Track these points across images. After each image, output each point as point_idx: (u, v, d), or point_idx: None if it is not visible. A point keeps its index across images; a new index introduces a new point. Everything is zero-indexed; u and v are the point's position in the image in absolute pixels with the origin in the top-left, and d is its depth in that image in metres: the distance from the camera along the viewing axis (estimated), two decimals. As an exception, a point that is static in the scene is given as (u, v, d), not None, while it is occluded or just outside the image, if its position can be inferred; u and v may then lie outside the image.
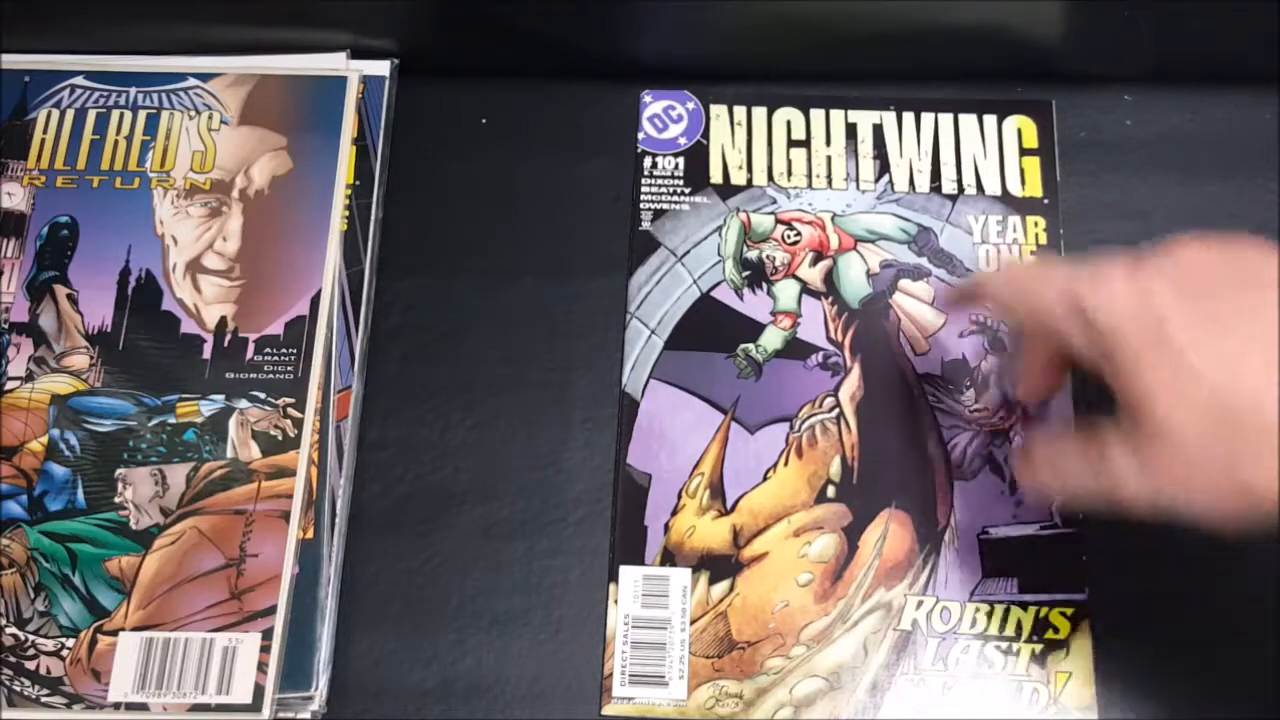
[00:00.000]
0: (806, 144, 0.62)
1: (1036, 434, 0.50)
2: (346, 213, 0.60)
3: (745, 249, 0.60)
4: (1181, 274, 0.42)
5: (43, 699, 0.52)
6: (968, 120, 0.62)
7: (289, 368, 0.57)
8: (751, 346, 0.58)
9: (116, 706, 0.52)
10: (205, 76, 0.63)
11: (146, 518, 0.55)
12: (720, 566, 0.55)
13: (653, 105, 0.63)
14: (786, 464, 0.56)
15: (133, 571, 0.54)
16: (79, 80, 0.63)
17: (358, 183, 0.61)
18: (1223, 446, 0.40)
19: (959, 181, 0.61)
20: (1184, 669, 0.53)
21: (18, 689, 0.52)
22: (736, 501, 0.56)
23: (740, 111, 0.63)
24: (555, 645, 0.54)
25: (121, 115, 0.63)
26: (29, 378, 0.57)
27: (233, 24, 0.63)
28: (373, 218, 0.61)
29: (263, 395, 0.57)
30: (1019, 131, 0.62)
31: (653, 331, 0.59)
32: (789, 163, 0.62)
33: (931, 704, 0.52)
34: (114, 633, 0.53)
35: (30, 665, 0.52)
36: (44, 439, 0.56)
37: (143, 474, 0.56)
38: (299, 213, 0.60)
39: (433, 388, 0.59)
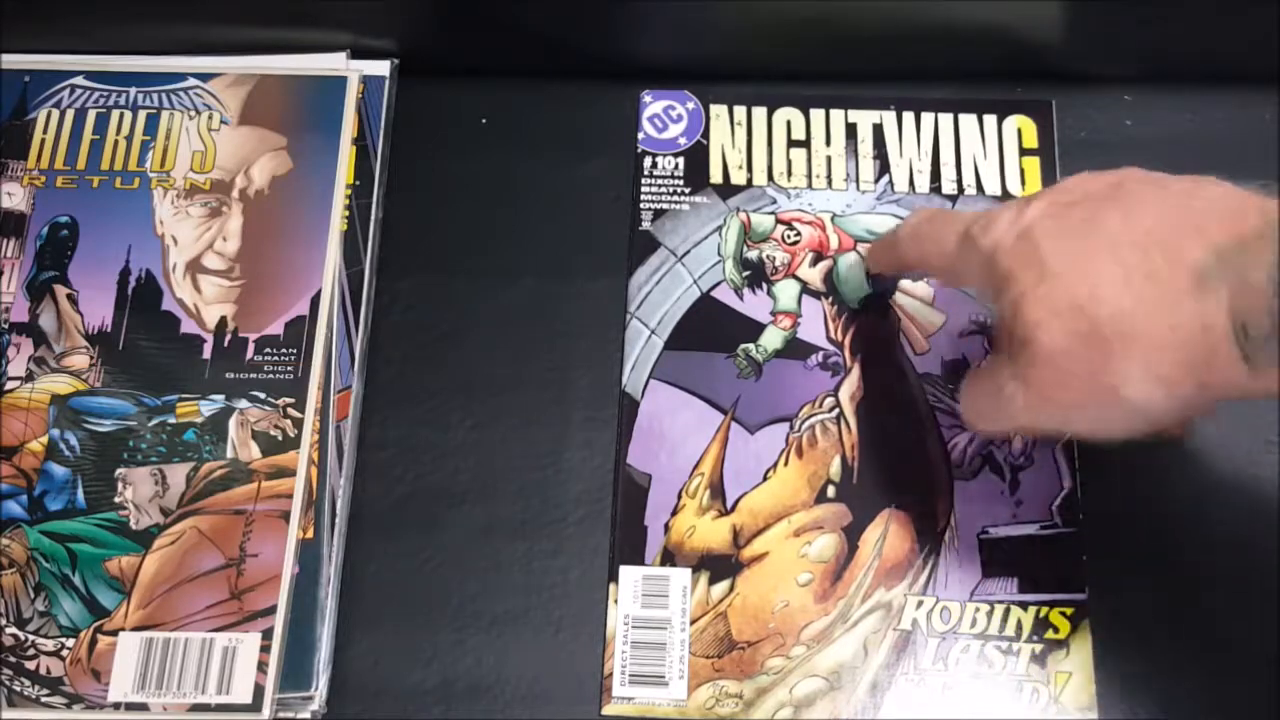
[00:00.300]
0: (806, 144, 0.62)
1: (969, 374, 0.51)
2: (346, 213, 0.60)
3: (745, 249, 0.60)
4: (1059, 196, 0.44)
5: (43, 699, 0.52)
6: (968, 120, 0.62)
7: (289, 368, 0.57)
8: (751, 346, 0.58)
9: (116, 706, 0.52)
10: (205, 76, 0.63)
11: (146, 518, 0.55)
12: (720, 566, 0.55)
13: (653, 105, 0.63)
14: (786, 464, 0.56)
15: (133, 571, 0.54)
16: (79, 80, 0.63)
17: (358, 183, 0.61)
18: (1090, 357, 0.41)
19: (959, 182, 0.61)
20: (1184, 669, 0.53)
21: (18, 689, 0.52)
22: (736, 501, 0.56)
23: (740, 111, 0.63)
24: (555, 645, 0.54)
25: (121, 115, 0.63)
26: (29, 378, 0.57)
27: (233, 24, 0.63)
28: (373, 218, 0.61)
29: (263, 395, 0.57)
30: (1019, 132, 0.62)
31: (653, 331, 0.59)
32: (789, 163, 0.62)
33: (931, 704, 0.52)
34: (114, 633, 0.53)
35: (30, 665, 0.52)
36: (44, 439, 0.56)
37: (143, 474, 0.56)
38: (299, 213, 0.60)
39: (433, 388, 0.59)
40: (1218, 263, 0.39)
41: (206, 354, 0.58)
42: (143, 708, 0.52)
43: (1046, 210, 0.43)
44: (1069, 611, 0.54)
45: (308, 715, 0.53)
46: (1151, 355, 0.40)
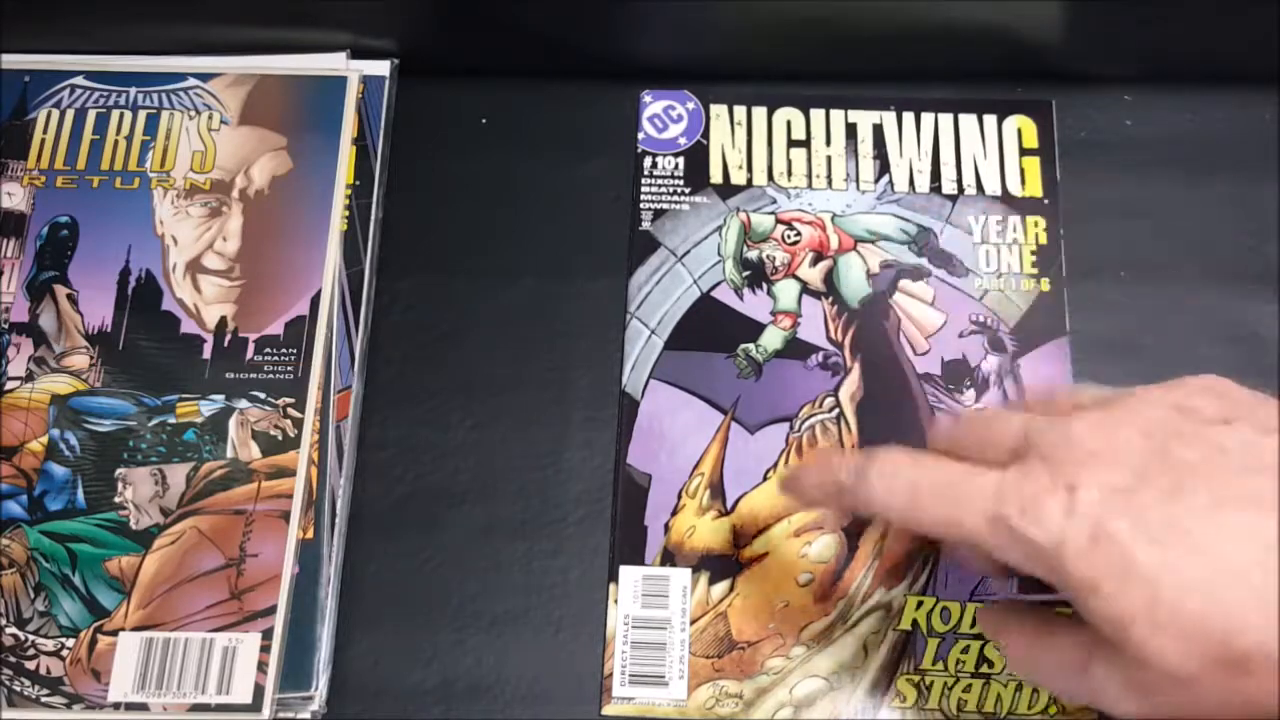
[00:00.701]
0: (806, 144, 0.62)
1: (1006, 619, 0.46)
2: (346, 213, 0.60)
3: (745, 249, 0.60)
4: (1111, 476, 0.39)
5: (43, 699, 0.52)
6: (968, 120, 0.62)
7: (289, 368, 0.57)
8: (751, 346, 0.58)
9: (116, 706, 0.52)
10: (205, 76, 0.63)
11: (146, 518, 0.55)
12: (720, 566, 0.55)
13: (652, 105, 0.63)
14: (787, 464, 0.56)
15: (133, 571, 0.54)
16: (79, 80, 0.63)
17: (358, 183, 0.61)
18: (1223, 678, 0.37)
19: (959, 181, 0.61)
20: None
21: (18, 689, 0.52)
22: (736, 502, 0.56)
23: (740, 111, 0.63)
24: (555, 645, 0.54)
25: (121, 115, 0.63)
26: (29, 378, 0.57)
27: (233, 24, 0.63)
28: (373, 218, 0.61)
29: (263, 395, 0.57)
30: (1019, 131, 0.62)
31: (653, 331, 0.59)
32: (789, 163, 0.62)
33: (931, 704, 0.52)
34: (114, 633, 0.53)
35: (30, 665, 0.52)
36: (44, 439, 0.56)
37: (143, 474, 0.56)
38: (299, 213, 0.60)
39: (433, 388, 0.59)
40: None
41: (206, 354, 0.58)
42: (143, 708, 0.52)
43: (1109, 504, 0.38)
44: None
45: (308, 715, 0.53)
46: None
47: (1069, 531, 0.38)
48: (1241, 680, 0.37)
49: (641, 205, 0.61)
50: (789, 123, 0.63)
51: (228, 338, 0.58)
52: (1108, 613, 0.38)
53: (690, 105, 0.63)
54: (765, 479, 0.56)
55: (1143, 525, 0.38)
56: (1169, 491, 0.38)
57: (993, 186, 0.61)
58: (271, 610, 0.53)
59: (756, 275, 0.60)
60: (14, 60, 0.63)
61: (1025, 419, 0.42)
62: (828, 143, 0.62)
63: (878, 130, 0.62)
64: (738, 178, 0.62)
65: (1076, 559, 0.38)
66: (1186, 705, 0.39)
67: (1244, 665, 0.37)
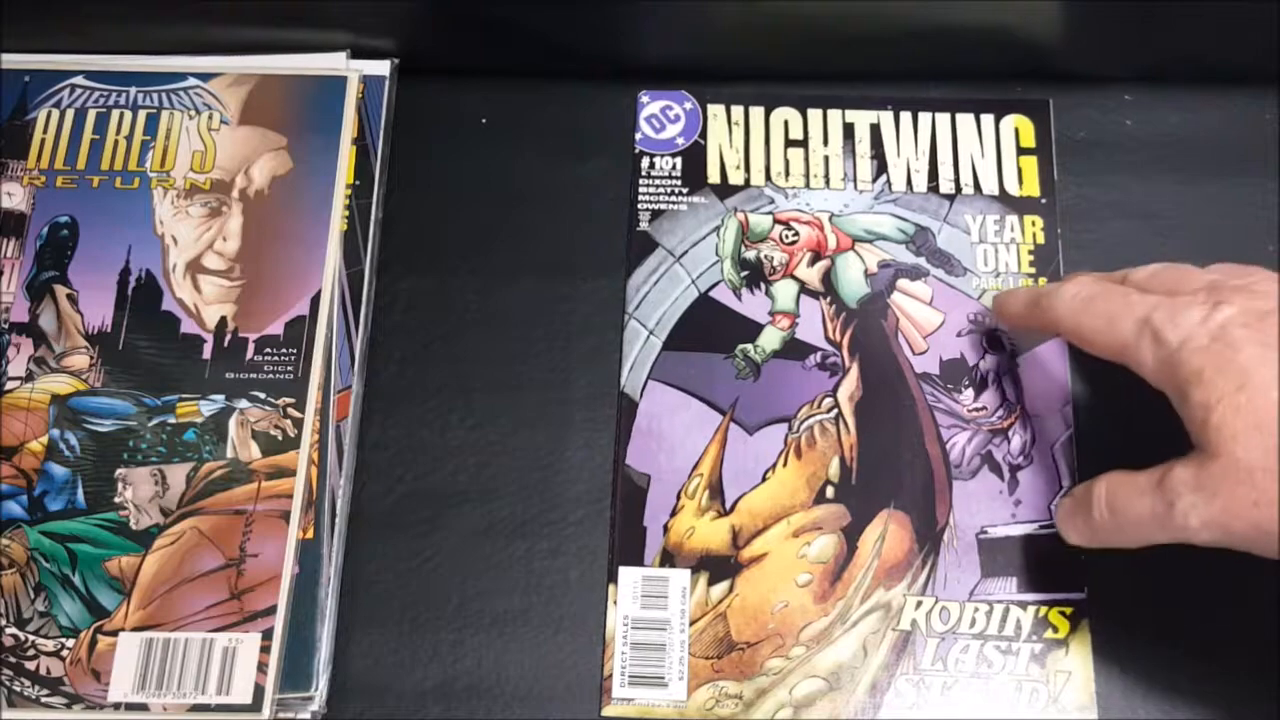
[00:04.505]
0: (804, 144, 0.62)
1: (1096, 481, 0.48)
2: (346, 213, 0.60)
3: (743, 249, 0.60)
4: (1253, 301, 0.43)
5: (43, 699, 0.52)
6: (965, 120, 0.62)
7: (289, 368, 0.58)
8: (750, 347, 0.59)
9: (116, 707, 0.52)
10: (205, 76, 0.63)
11: (146, 518, 0.55)
12: (719, 567, 0.55)
13: (650, 105, 0.63)
14: (785, 464, 0.56)
15: (133, 571, 0.54)
16: (79, 80, 0.63)
17: (358, 183, 0.61)
18: None
19: (956, 181, 0.61)
20: (1184, 669, 0.53)
21: (18, 689, 0.52)
22: (735, 502, 0.56)
23: (738, 111, 0.63)
24: (555, 645, 0.54)
25: (121, 115, 0.63)
26: (29, 378, 0.58)
27: (233, 24, 0.63)
28: (373, 218, 0.61)
29: (263, 395, 0.57)
30: (1016, 131, 0.62)
31: (651, 332, 0.59)
32: (787, 163, 0.62)
33: (931, 704, 0.52)
34: (114, 633, 0.53)
35: (30, 665, 0.53)
36: (44, 439, 0.56)
37: (143, 474, 0.56)
38: (299, 213, 0.60)
39: (433, 388, 0.59)
40: None
41: (206, 354, 0.58)
42: (143, 708, 0.52)
43: (1242, 317, 0.42)
44: (1068, 611, 0.54)
45: (308, 715, 0.53)
46: None
47: (1197, 332, 0.43)
48: None
49: (639, 206, 0.61)
50: (786, 123, 0.63)
51: (228, 338, 0.58)
52: (1201, 400, 0.42)
53: (688, 105, 0.63)
54: (764, 479, 0.56)
55: (1260, 333, 0.42)
56: None
57: (990, 186, 0.61)
58: (271, 610, 0.53)
59: (755, 275, 0.60)
60: (14, 60, 0.63)
61: (1217, 276, 0.46)
62: (825, 143, 0.62)
63: (875, 130, 0.62)
64: (735, 178, 0.62)
65: (1191, 353, 0.42)
66: (1246, 508, 0.41)
67: None
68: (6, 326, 0.58)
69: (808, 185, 0.62)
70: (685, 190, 0.62)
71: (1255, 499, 0.40)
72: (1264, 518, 0.41)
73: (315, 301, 0.59)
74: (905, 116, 0.62)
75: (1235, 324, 0.42)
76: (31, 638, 0.53)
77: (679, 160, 0.62)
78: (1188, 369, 0.42)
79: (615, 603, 0.54)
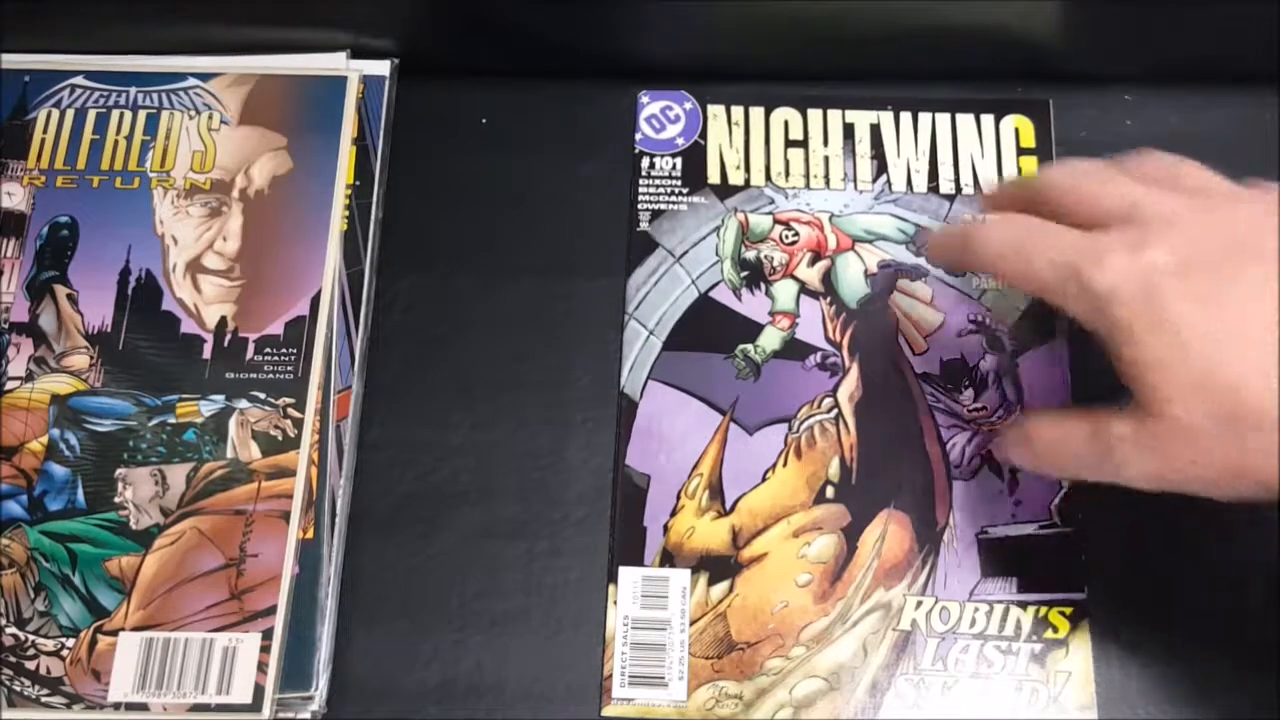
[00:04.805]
0: (804, 144, 0.62)
1: (1033, 416, 0.49)
2: (346, 213, 0.60)
3: (743, 249, 0.60)
4: (1184, 244, 0.42)
5: (43, 699, 0.52)
6: (965, 120, 0.62)
7: (289, 368, 0.58)
8: (750, 347, 0.59)
9: (116, 706, 0.52)
10: (205, 76, 0.63)
11: (146, 518, 0.55)
12: (719, 567, 0.55)
13: (650, 105, 0.63)
14: (785, 465, 0.56)
15: (133, 571, 0.54)
16: (79, 80, 0.63)
17: (358, 183, 0.61)
18: (1225, 434, 0.40)
19: (956, 181, 0.61)
20: (1184, 669, 0.53)
21: (18, 689, 0.52)
22: (735, 502, 0.56)
23: (738, 111, 0.63)
24: (555, 645, 0.54)
25: (121, 115, 0.63)
26: (29, 378, 0.58)
27: (233, 24, 0.63)
28: (373, 218, 0.61)
29: (263, 395, 0.57)
30: (1016, 131, 0.62)
31: (651, 332, 0.59)
32: (786, 163, 0.62)
33: (931, 704, 0.52)
34: (114, 633, 0.53)
35: (30, 665, 0.53)
36: (44, 439, 0.56)
37: (143, 474, 0.56)
38: (299, 213, 0.60)
39: (433, 388, 0.59)
40: None
41: (206, 354, 0.58)
42: (143, 708, 0.52)
43: (1170, 265, 0.41)
44: (1068, 611, 0.54)
45: (308, 715, 0.53)
46: None
47: (1125, 281, 0.41)
48: (1239, 438, 0.39)
49: (639, 206, 0.61)
50: (786, 123, 0.63)
51: (228, 338, 0.58)
52: (1135, 356, 0.41)
53: (687, 105, 0.63)
54: (764, 479, 0.56)
55: (1188, 285, 0.40)
56: (1227, 266, 0.41)
57: (990, 186, 0.61)
58: (271, 610, 0.53)
59: (755, 275, 0.60)
60: (14, 60, 0.63)
61: (1137, 194, 0.45)
62: (825, 143, 0.62)
63: (875, 130, 0.62)
64: (735, 178, 0.62)
65: (1122, 305, 0.41)
66: (1192, 463, 0.41)
67: (1242, 420, 0.39)
68: (6, 326, 0.58)
69: (808, 185, 0.62)
70: (685, 190, 0.62)
71: (1193, 458, 0.41)
72: (1202, 474, 0.41)
73: (315, 301, 0.59)
74: (905, 116, 0.62)
75: (1162, 272, 0.41)
76: (31, 637, 0.53)
77: (679, 160, 0.62)
78: (1117, 323, 0.42)
79: (615, 603, 0.54)
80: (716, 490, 0.56)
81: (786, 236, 0.61)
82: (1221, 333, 0.40)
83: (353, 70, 0.63)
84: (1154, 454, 0.42)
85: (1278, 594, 0.54)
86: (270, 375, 0.57)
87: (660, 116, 0.63)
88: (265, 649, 0.53)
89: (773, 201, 0.61)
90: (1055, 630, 0.53)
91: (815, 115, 0.63)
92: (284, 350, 0.58)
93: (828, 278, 0.60)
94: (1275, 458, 0.39)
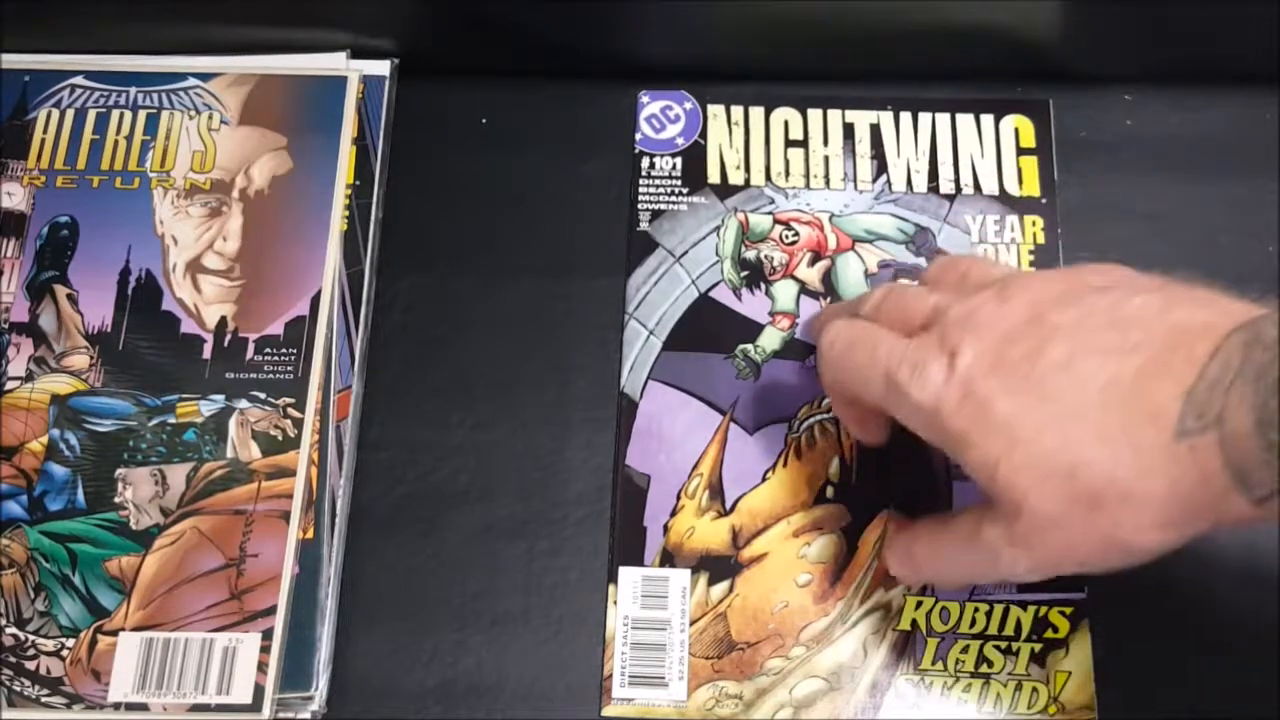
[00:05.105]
0: (804, 144, 0.62)
1: (912, 529, 0.50)
2: (346, 213, 0.60)
3: (743, 249, 0.60)
4: (989, 339, 0.42)
5: (43, 699, 0.52)
6: (965, 120, 0.62)
7: (289, 368, 0.58)
8: (750, 347, 0.59)
9: (116, 706, 0.52)
10: (205, 76, 0.63)
11: (146, 518, 0.55)
12: (719, 567, 0.55)
13: (650, 105, 0.63)
14: (785, 465, 0.56)
15: (133, 571, 0.54)
16: (79, 80, 0.63)
17: (358, 183, 0.61)
18: (1087, 513, 0.40)
19: (956, 181, 0.61)
20: (1184, 669, 0.53)
21: (18, 689, 0.52)
22: (735, 502, 0.56)
23: (738, 111, 0.63)
24: (555, 645, 0.54)
25: (121, 115, 0.63)
26: (29, 378, 0.58)
27: (233, 24, 0.63)
28: (373, 218, 0.61)
29: (263, 395, 0.57)
30: (1016, 131, 0.62)
31: (651, 332, 0.59)
32: (787, 163, 0.62)
33: (931, 704, 0.52)
34: (114, 633, 0.53)
35: (30, 665, 0.53)
36: (44, 439, 0.56)
37: (143, 474, 0.56)
38: (299, 213, 0.60)
39: (433, 388, 0.59)
40: (1194, 415, 0.37)
41: (206, 354, 0.58)
42: (143, 708, 0.52)
43: (979, 362, 0.42)
44: (1068, 611, 0.54)
45: (308, 715, 0.53)
46: (1156, 511, 0.39)
47: (945, 392, 0.42)
48: (1098, 515, 0.39)
49: (639, 206, 0.61)
50: (786, 123, 0.63)
51: (228, 338, 0.58)
52: (978, 461, 0.41)
53: (687, 105, 0.63)
54: (764, 480, 0.56)
55: (1005, 380, 0.41)
56: (1034, 350, 0.41)
57: (990, 186, 0.61)
58: (271, 610, 0.53)
59: (755, 275, 0.60)
60: (14, 60, 0.63)
61: (938, 299, 0.46)
62: (825, 143, 0.62)
63: (875, 130, 0.62)
64: (735, 178, 0.62)
65: (950, 416, 0.42)
66: (1065, 551, 0.41)
67: (1096, 499, 0.39)
68: (6, 326, 0.58)
69: (808, 185, 0.62)
70: (685, 190, 0.62)
71: (1070, 541, 0.41)
72: (1083, 556, 0.41)
73: (315, 301, 0.59)
74: (905, 116, 0.62)
75: (978, 373, 0.41)
76: (31, 638, 0.53)
77: (679, 160, 0.62)
78: (953, 432, 0.42)
79: (615, 603, 0.54)
80: (716, 490, 0.56)
81: (786, 236, 0.61)
82: (1048, 418, 0.40)
83: (353, 70, 0.63)
84: (1034, 549, 0.42)
85: (1278, 594, 0.54)
86: (270, 375, 0.57)
87: (660, 116, 0.63)
88: (265, 649, 0.53)
89: (773, 201, 0.61)
90: (1055, 630, 0.53)
91: (815, 115, 0.63)
92: (284, 350, 0.58)
93: (828, 278, 0.60)
94: (1140, 522, 0.39)
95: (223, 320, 0.59)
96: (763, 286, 0.60)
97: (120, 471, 0.56)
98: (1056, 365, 0.41)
